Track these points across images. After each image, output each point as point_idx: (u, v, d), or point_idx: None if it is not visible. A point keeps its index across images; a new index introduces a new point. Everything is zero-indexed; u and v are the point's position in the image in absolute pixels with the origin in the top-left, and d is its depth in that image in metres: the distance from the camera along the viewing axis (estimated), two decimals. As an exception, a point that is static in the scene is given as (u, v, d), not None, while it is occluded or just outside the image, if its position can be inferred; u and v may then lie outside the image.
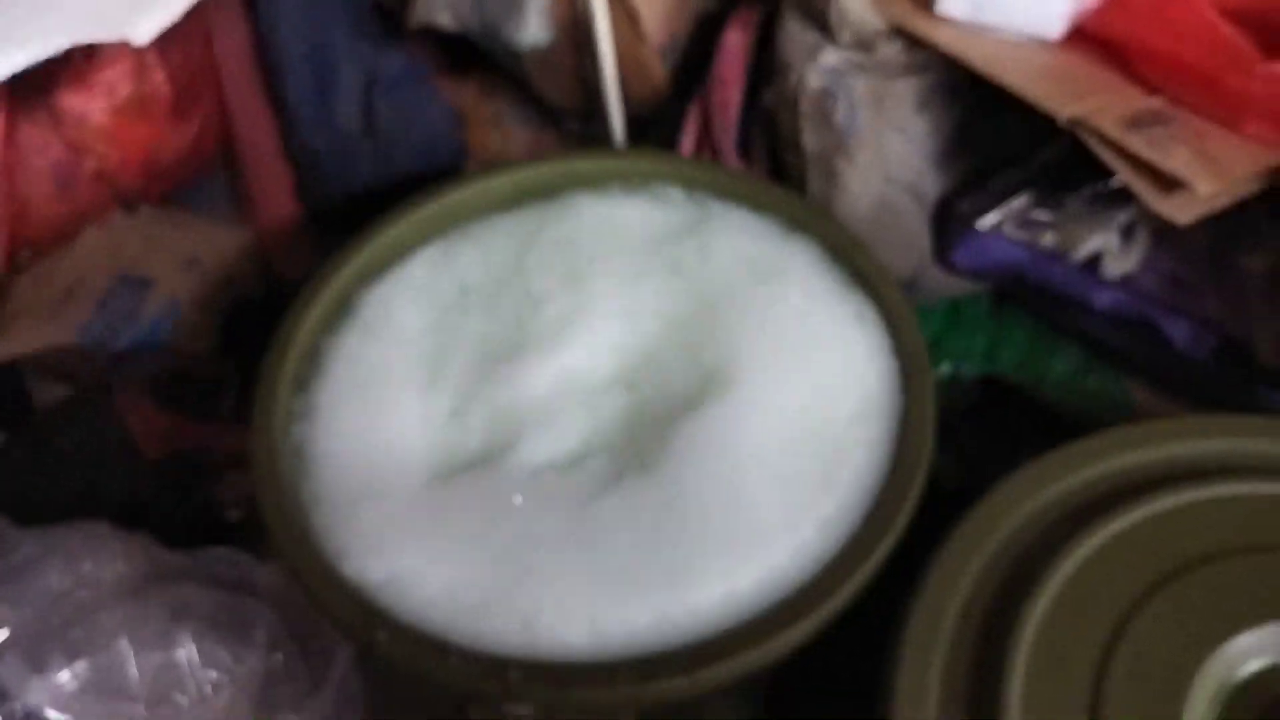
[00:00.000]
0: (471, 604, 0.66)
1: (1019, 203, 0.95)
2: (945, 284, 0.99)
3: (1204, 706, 0.59)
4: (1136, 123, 0.77)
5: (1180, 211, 0.73)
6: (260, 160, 1.15)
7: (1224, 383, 0.83)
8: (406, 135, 1.08)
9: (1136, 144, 0.75)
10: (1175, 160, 0.73)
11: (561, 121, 1.07)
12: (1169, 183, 0.74)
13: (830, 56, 0.89)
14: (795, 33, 0.91)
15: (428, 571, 0.68)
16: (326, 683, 0.79)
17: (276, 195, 1.11)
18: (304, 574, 0.67)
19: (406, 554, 0.69)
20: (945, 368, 0.96)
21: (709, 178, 0.91)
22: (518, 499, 0.71)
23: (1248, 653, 0.60)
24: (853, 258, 0.84)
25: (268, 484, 0.71)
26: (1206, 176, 0.72)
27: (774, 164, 1.00)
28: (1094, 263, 0.91)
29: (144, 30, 0.84)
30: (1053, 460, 0.69)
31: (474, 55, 1.02)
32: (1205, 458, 0.68)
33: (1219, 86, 0.77)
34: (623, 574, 0.67)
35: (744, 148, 1.00)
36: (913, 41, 0.88)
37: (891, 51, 0.89)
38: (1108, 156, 0.76)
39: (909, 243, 0.96)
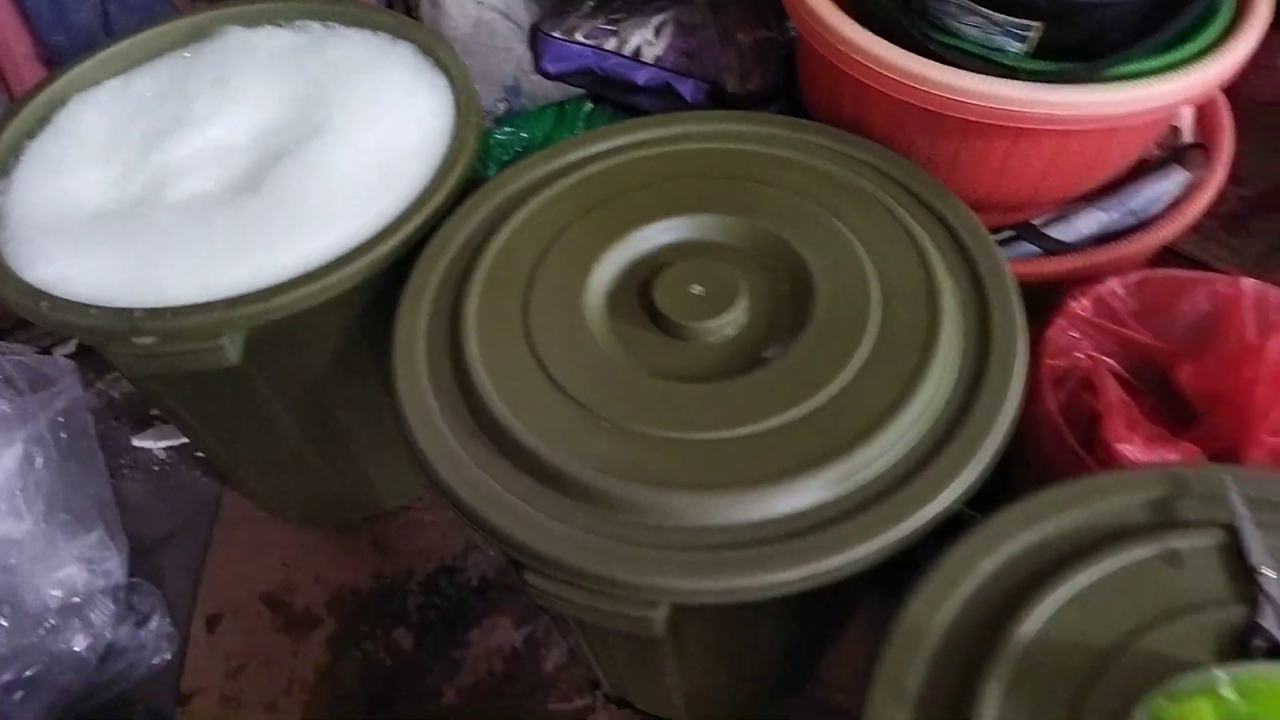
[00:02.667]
0: (117, 283, 0.91)
1: (588, 17, 1.24)
2: (544, 89, 1.28)
3: (611, 272, 0.86)
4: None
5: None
6: (11, 60, 1.39)
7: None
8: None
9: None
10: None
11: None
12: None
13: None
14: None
15: (87, 268, 0.92)
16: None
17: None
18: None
19: (71, 260, 0.93)
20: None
21: (339, 11, 1.17)
22: (159, 218, 0.96)
23: (644, 238, 0.88)
24: (437, 53, 1.11)
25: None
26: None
27: (406, 6, 1.28)
28: (638, 53, 1.21)
29: None
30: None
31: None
32: (660, 138, 0.98)
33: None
34: (229, 252, 0.92)
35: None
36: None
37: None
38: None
39: (506, 55, 1.24)
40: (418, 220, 0.94)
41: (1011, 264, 1.04)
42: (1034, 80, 0.87)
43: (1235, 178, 1.79)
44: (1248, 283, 0.96)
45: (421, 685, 1.24)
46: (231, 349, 0.90)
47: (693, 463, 0.73)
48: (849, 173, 0.93)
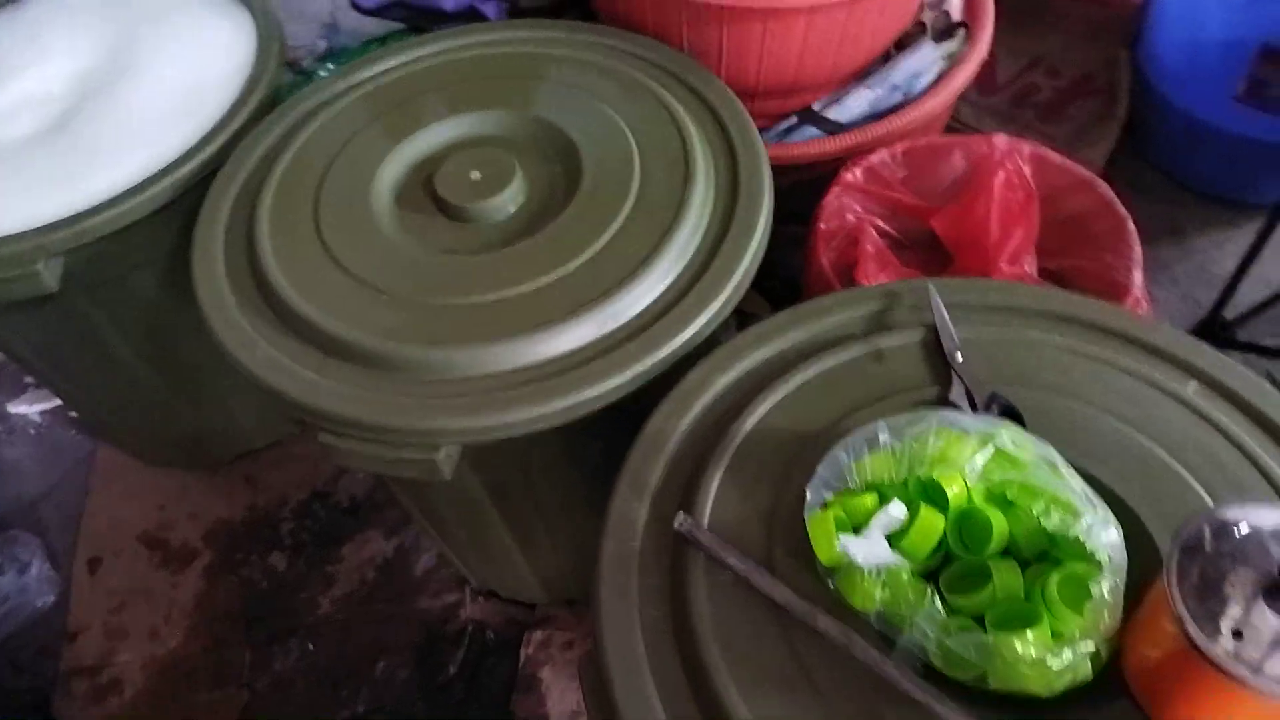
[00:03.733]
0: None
1: (394, -48, 1.29)
2: (364, 25, 1.33)
3: (398, 170, 0.93)
4: None
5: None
6: None
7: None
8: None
9: None
10: None
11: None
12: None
13: None
14: None
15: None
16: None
17: None
18: None
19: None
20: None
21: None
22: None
23: (429, 137, 0.95)
24: (244, -10, 1.16)
25: None
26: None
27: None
28: (444, -19, 1.26)
29: None
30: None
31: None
32: (449, 49, 1.04)
33: None
34: (43, 187, 0.97)
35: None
36: None
37: None
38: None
39: (319, -8, 1.29)
40: (219, 141, 1.00)
41: (797, 147, 1.14)
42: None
43: (1051, 70, 1.92)
44: (1000, 138, 1.06)
45: (297, 600, 1.31)
46: (48, 275, 0.95)
47: (469, 322, 0.80)
48: (620, 65, 1.00)
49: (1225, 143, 1.47)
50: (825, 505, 0.61)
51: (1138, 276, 0.94)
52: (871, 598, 0.58)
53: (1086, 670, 0.55)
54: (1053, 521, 0.54)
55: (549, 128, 0.94)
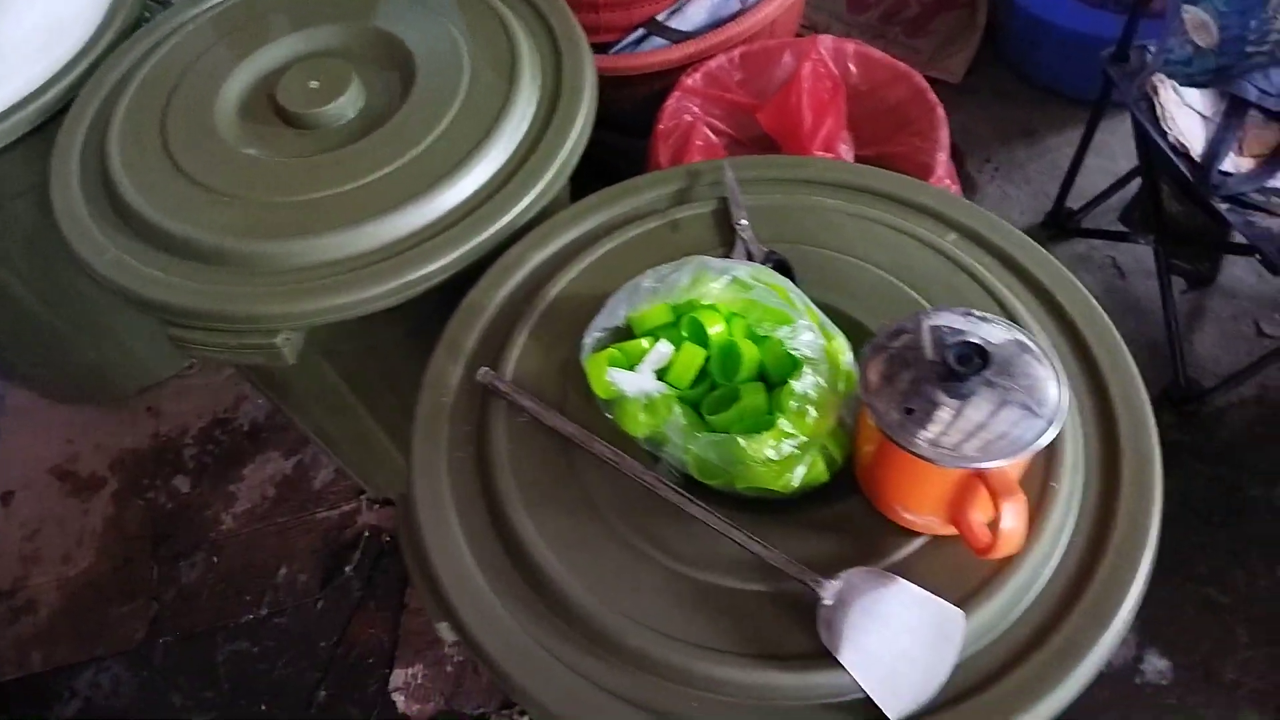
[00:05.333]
0: None
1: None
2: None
3: (242, 85, 0.98)
4: None
5: None
6: None
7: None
8: None
9: None
10: None
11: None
12: None
13: None
14: None
15: None
16: None
17: None
18: None
19: None
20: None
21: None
22: None
23: (272, 53, 1.00)
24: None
25: None
26: None
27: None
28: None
29: None
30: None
31: None
32: None
33: None
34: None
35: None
36: None
37: None
38: None
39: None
40: (78, 70, 1.05)
41: (642, 56, 1.20)
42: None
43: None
44: (825, 38, 1.13)
45: (201, 518, 1.37)
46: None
47: (304, 217, 0.86)
48: (459, -21, 1.05)
49: (1065, 40, 1.55)
50: (602, 349, 0.69)
51: (942, 157, 1.02)
52: (639, 423, 0.66)
53: (820, 470, 0.63)
54: (764, 329, 0.61)
55: (386, 37, 1.00)
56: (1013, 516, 0.53)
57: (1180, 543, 1.21)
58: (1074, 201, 1.47)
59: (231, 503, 1.38)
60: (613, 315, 0.70)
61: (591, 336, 0.69)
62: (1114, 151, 1.56)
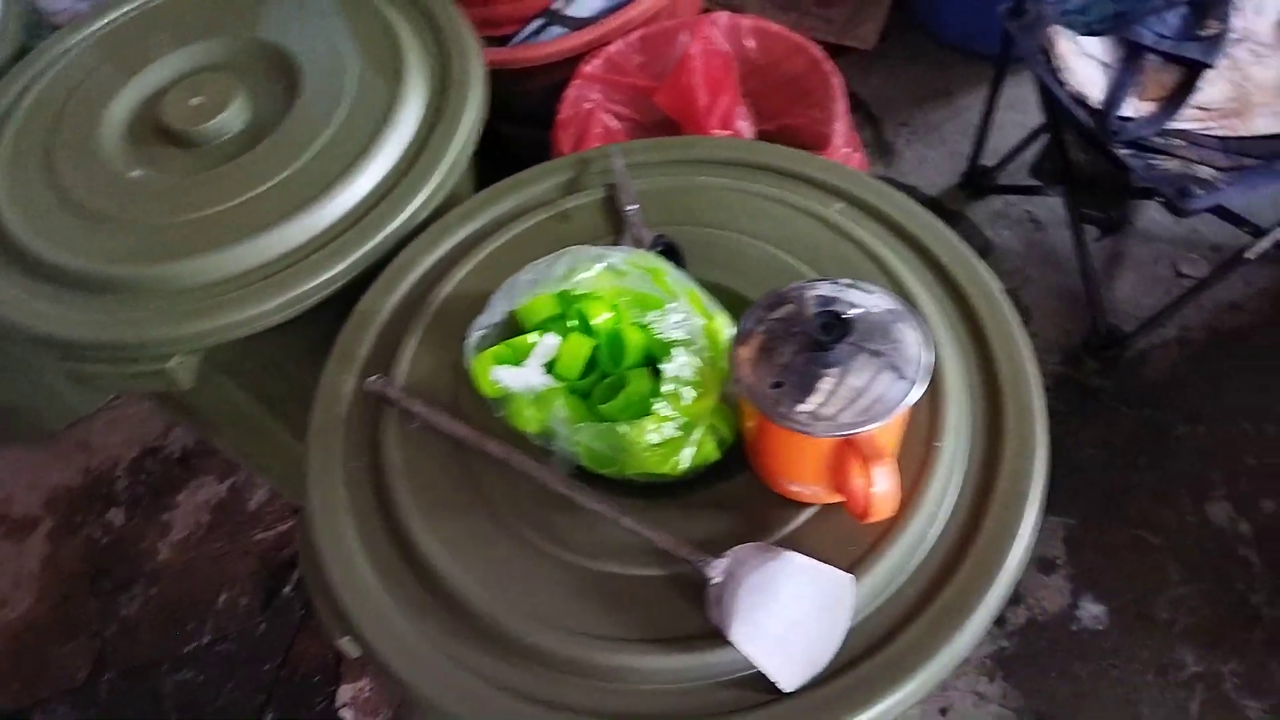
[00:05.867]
0: None
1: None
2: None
3: (127, 106, 0.96)
4: None
5: None
6: None
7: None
8: None
9: None
10: None
11: None
12: None
13: None
14: None
15: None
16: None
17: None
18: None
19: None
20: None
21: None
22: None
23: (157, 72, 0.98)
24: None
25: None
26: None
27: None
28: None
29: None
30: None
31: None
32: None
33: None
34: None
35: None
36: None
37: None
38: None
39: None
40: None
41: (542, 46, 1.19)
42: None
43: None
44: (719, 14, 1.12)
45: (137, 550, 1.35)
46: None
47: (190, 237, 0.84)
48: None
49: (968, -5, 1.55)
50: (488, 347, 0.68)
51: (839, 127, 1.02)
52: (528, 419, 0.65)
53: (711, 450, 0.63)
54: (634, 315, 0.61)
55: (270, 48, 0.98)
56: (884, 480, 0.53)
57: (1109, 487, 1.22)
58: (990, 159, 1.48)
59: (167, 532, 1.36)
60: (494, 312, 0.69)
61: (474, 335, 0.68)
62: (1028, 105, 1.56)
